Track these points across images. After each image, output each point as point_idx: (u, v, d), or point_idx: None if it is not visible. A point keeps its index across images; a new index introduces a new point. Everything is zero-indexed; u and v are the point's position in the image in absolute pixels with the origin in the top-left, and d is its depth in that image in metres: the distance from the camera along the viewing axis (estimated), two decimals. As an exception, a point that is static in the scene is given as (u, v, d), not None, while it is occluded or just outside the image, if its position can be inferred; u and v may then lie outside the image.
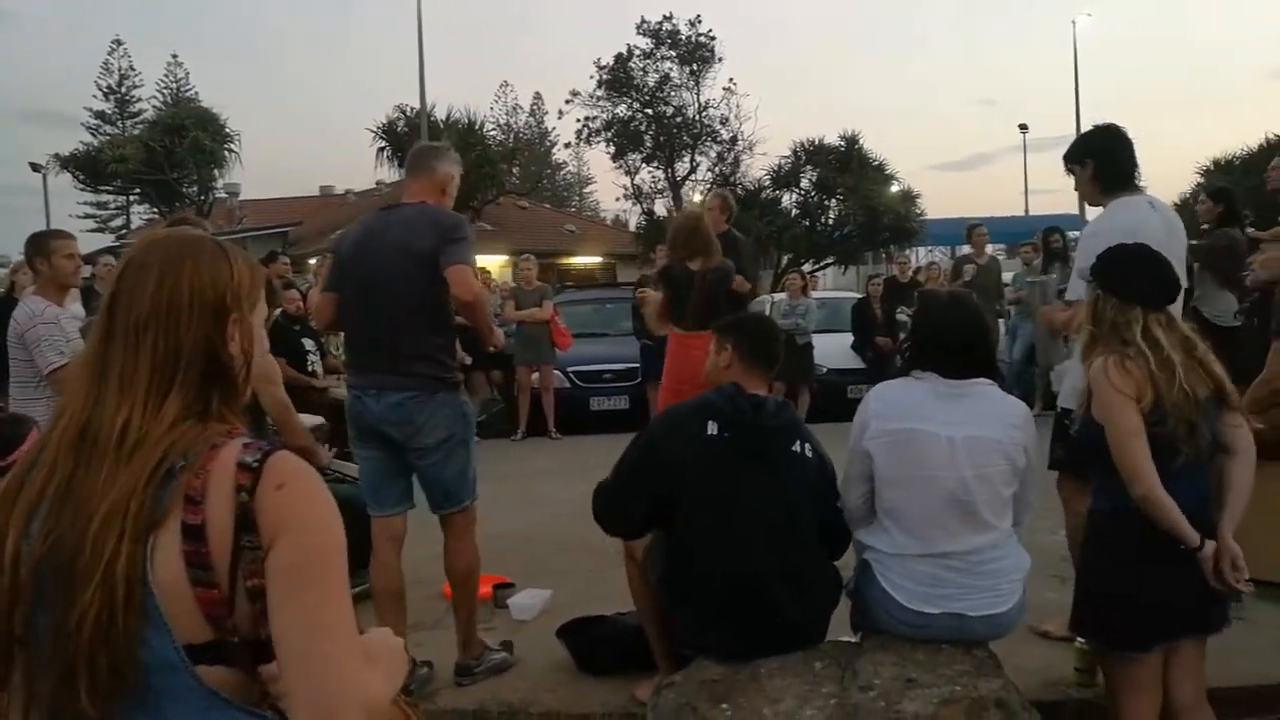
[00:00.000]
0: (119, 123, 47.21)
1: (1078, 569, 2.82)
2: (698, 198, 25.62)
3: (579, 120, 25.58)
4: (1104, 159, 3.48)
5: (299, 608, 1.15)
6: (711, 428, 2.68)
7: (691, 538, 2.69)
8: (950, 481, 2.58)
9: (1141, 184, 3.52)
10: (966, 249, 10.61)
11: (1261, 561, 3.67)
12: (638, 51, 24.82)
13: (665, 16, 24.74)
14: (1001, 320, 9.72)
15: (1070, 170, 3.61)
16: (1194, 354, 2.53)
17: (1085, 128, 3.82)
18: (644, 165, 25.34)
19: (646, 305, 5.77)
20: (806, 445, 2.78)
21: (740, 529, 2.62)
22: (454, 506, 3.35)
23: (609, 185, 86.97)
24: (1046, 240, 9.02)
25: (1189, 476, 2.48)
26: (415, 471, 3.36)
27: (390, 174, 27.43)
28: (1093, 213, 3.70)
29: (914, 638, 2.63)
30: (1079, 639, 2.97)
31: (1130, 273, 2.59)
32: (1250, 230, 6.30)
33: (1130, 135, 3.58)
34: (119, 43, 49.31)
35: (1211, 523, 2.51)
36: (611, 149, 25.10)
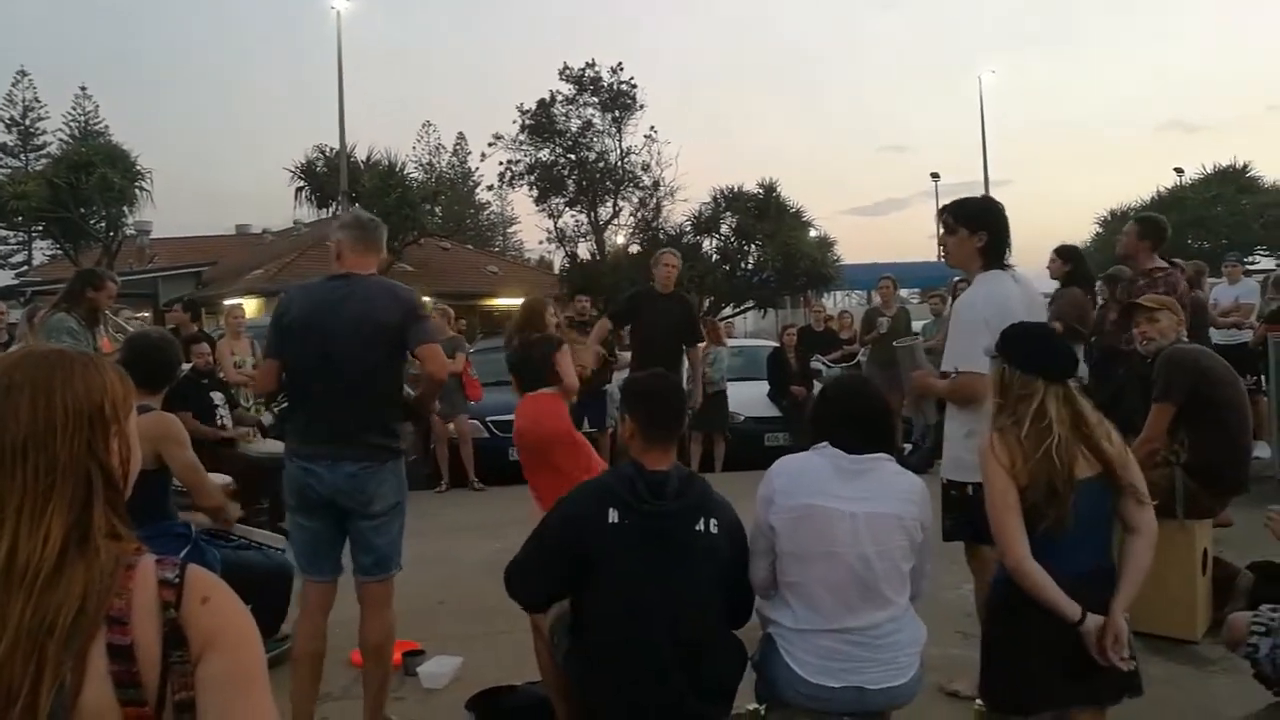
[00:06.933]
0: (21, 155, 45.72)
1: (982, 633, 2.91)
2: (620, 240, 25.89)
3: (502, 163, 25.63)
4: (996, 235, 3.56)
5: (232, 717, 1.18)
6: (613, 515, 2.64)
7: (596, 622, 2.67)
8: (852, 558, 2.62)
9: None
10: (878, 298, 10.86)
11: (1147, 616, 3.84)
12: (560, 97, 25.01)
13: (588, 63, 25.01)
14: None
15: (951, 230, 3.59)
16: (1082, 430, 2.63)
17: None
18: (567, 209, 25.43)
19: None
20: (712, 521, 2.72)
21: (642, 615, 2.60)
22: (382, 574, 3.32)
23: (533, 227, 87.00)
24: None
25: (1074, 548, 2.58)
26: (351, 536, 3.32)
27: (308, 214, 27.08)
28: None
29: (816, 710, 2.66)
30: (978, 700, 3.06)
31: (1034, 348, 2.73)
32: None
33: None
34: (24, 73, 47.99)
35: (1104, 596, 2.60)
36: (535, 193, 25.16)
